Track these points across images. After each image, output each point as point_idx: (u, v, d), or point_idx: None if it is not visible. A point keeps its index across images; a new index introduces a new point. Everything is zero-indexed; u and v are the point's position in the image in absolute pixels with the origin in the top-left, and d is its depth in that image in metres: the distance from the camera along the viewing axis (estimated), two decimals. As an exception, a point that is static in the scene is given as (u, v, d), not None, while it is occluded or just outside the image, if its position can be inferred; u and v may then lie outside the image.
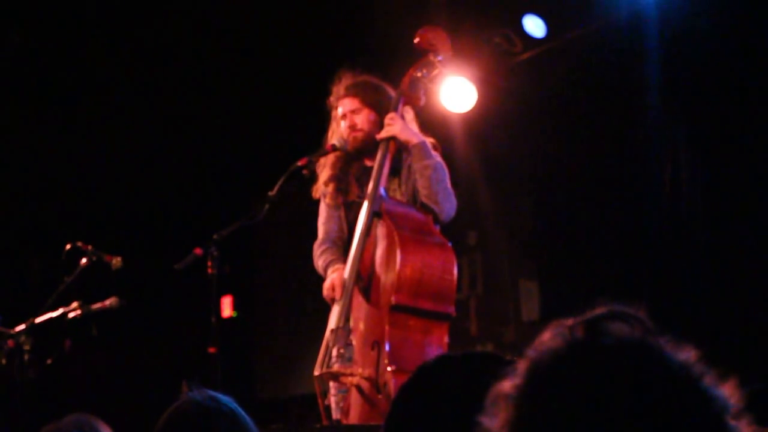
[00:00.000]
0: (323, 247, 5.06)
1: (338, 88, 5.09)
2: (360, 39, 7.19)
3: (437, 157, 4.88)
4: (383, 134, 4.90)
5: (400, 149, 4.93)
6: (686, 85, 6.59)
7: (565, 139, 7.36)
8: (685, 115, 6.64)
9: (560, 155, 7.44)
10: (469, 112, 6.44)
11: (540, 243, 7.73)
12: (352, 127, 4.99)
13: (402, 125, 4.88)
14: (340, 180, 5.05)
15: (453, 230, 5.29)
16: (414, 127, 5.01)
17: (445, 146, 5.36)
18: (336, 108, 5.08)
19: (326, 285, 4.91)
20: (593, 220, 7.18)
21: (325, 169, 5.06)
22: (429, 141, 4.92)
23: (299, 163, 4.84)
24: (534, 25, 6.92)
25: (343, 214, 5.07)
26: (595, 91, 7.05)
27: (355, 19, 7.29)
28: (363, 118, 5.00)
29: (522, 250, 7.88)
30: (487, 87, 6.69)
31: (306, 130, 5.38)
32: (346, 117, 5.01)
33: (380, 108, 4.98)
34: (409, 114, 5.06)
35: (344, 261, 4.91)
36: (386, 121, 4.91)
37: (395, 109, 4.95)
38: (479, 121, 7.12)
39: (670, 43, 6.54)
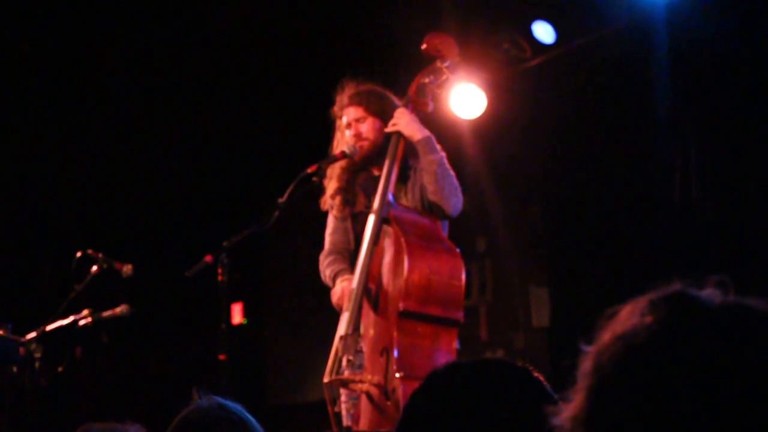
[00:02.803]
0: (330, 258, 5.05)
1: (341, 98, 5.08)
2: (371, 46, 7.20)
3: (442, 152, 4.88)
4: (390, 129, 4.90)
5: (406, 155, 4.92)
6: (695, 90, 6.59)
7: (575, 145, 7.36)
8: (694, 120, 6.64)
9: (570, 161, 7.44)
10: (478, 118, 6.44)
11: (550, 249, 7.72)
12: (358, 136, 4.98)
13: (408, 120, 4.87)
14: (346, 191, 5.04)
15: (462, 236, 5.28)
16: None
17: (454, 152, 5.35)
18: (340, 117, 5.08)
19: (336, 293, 4.90)
20: (603, 225, 7.18)
21: (331, 181, 5.05)
22: (439, 148, 4.92)
23: (309, 170, 4.83)
24: (543, 31, 6.92)
25: (350, 225, 5.06)
26: (605, 97, 7.05)
27: (366, 27, 7.30)
28: (368, 127, 4.99)
29: (532, 256, 7.87)
30: (496, 93, 6.69)
31: (316, 137, 5.38)
32: (351, 126, 5.00)
33: (385, 116, 4.98)
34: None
35: (352, 271, 4.90)
36: (395, 114, 4.91)
37: None
38: (489, 127, 7.12)
39: (679, 48, 6.54)
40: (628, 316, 1.24)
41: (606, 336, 1.23)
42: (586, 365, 1.23)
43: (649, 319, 1.21)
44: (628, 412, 1.16)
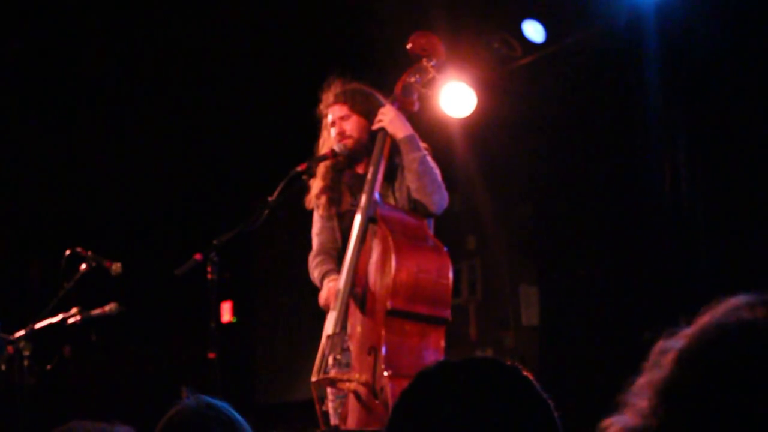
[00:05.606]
0: (318, 259, 5.05)
1: (327, 96, 5.08)
2: (360, 46, 7.19)
3: (425, 150, 4.87)
4: (375, 125, 4.90)
5: (393, 154, 4.92)
6: (685, 89, 6.60)
7: (565, 144, 7.37)
8: (684, 119, 6.65)
9: (560, 160, 7.44)
10: (468, 116, 6.45)
11: (540, 248, 7.73)
12: (341, 134, 4.97)
13: (392, 117, 4.87)
14: (332, 190, 5.03)
15: (453, 235, 5.28)
16: None
17: (444, 151, 5.35)
18: (326, 116, 5.07)
19: (323, 294, 4.90)
20: (593, 224, 7.19)
21: (316, 180, 5.04)
22: (422, 146, 4.91)
23: (299, 169, 4.83)
24: (533, 30, 6.93)
25: (336, 224, 5.06)
26: (595, 96, 7.06)
27: (356, 26, 7.30)
28: (352, 125, 4.98)
29: (522, 254, 7.88)
30: (486, 92, 6.69)
31: (305, 135, 5.38)
32: (335, 124, 5.00)
33: (370, 115, 4.97)
34: None
35: (340, 271, 4.89)
36: (380, 111, 4.91)
37: None
38: (479, 126, 7.12)
39: (669, 47, 6.55)
40: (724, 311, 1.26)
41: (702, 321, 1.25)
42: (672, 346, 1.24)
43: (750, 314, 1.23)
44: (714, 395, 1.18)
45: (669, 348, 1.26)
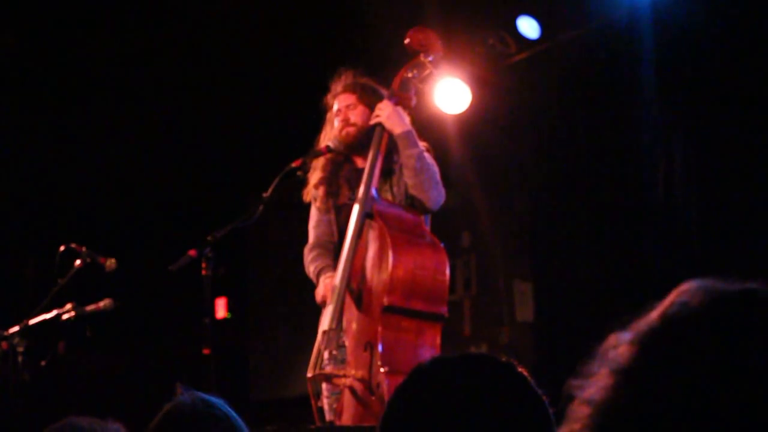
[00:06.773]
0: (314, 253, 5.05)
1: (337, 85, 5.10)
2: (356, 41, 7.19)
3: (423, 147, 4.87)
4: (372, 120, 4.91)
5: (391, 150, 4.92)
6: (681, 86, 6.60)
7: (560, 141, 7.37)
8: (679, 115, 6.65)
9: (555, 156, 7.44)
10: (463, 113, 6.45)
11: (534, 244, 7.73)
12: (346, 121, 4.99)
13: (390, 113, 4.87)
14: (330, 183, 5.04)
15: (447, 231, 5.27)
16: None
17: (439, 147, 5.35)
18: (332, 106, 5.09)
19: (319, 290, 4.90)
20: (587, 221, 7.19)
21: (315, 172, 5.05)
22: (422, 144, 4.91)
23: (294, 164, 4.84)
24: (528, 26, 6.93)
25: (333, 217, 5.06)
26: (590, 92, 7.06)
27: (351, 22, 7.29)
28: (357, 114, 5.00)
29: (516, 251, 7.88)
30: (481, 88, 6.69)
31: (301, 131, 5.37)
32: (340, 112, 5.02)
33: (375, 109, 4.98)
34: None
35: (336, 267, 4.89)
36: (377, 107, 4.91)
37: None
38: (474, 122, 7.12)
39: (664, 44, 6.55)
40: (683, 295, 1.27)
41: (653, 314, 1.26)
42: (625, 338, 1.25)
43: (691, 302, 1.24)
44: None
45: (622, 340, 1.27)
